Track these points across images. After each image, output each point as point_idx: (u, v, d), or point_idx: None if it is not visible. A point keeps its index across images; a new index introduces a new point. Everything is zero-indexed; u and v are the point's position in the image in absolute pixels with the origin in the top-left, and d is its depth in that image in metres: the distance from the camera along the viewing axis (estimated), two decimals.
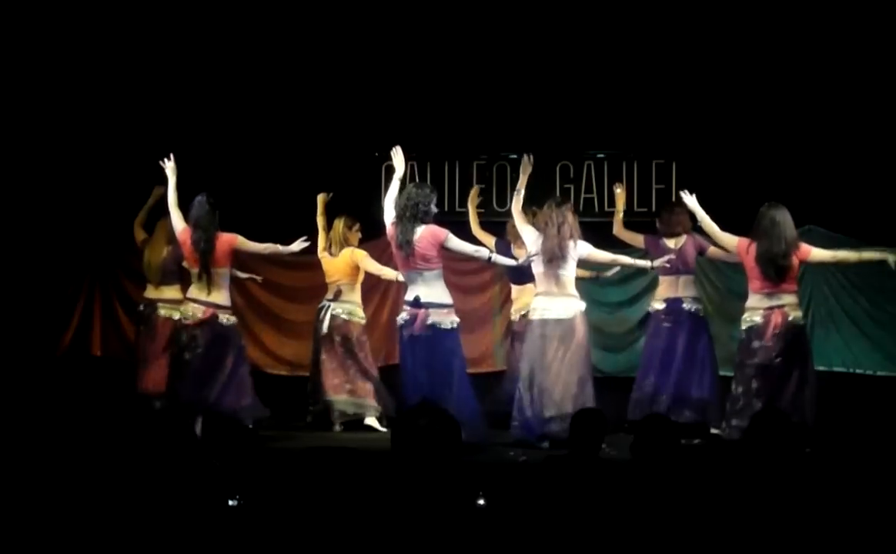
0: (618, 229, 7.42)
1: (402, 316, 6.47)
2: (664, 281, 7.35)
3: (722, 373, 7.26)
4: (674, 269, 7.23)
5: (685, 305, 7.28)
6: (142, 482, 3.14)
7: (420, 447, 2.72)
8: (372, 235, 8.02)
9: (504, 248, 7.25)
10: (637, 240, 7.36)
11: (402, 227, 6.39)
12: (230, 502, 3.26)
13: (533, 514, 3.41)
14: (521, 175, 6.80)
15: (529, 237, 6.80)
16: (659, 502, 3.25)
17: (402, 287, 7.01)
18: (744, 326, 6.64)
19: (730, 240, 6.74)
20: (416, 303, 6.39)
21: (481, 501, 3.67)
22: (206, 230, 6.67)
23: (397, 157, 6.53)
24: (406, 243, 6.37)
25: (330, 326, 7.49)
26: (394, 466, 2.76)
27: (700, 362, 7.22)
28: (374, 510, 2.68)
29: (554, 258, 6.71)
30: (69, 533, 3.04)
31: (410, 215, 6.39)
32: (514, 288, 7.63)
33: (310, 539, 2.72)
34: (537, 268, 6.76)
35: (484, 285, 8.34)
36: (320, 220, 7.63)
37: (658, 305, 7.35)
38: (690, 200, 6.85)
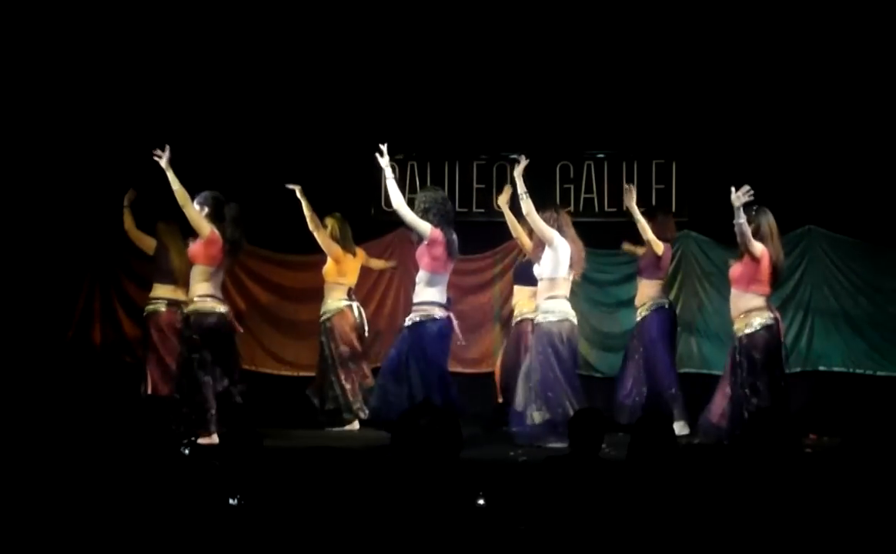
0: (650, 234, 7.25)
1: (446, 317, 6.46)
2: (657, 285, 7.40)
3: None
4: (664, 273, 7.40)
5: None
6: (142, 481, 3.14)
7: (420, 447, 2.72)
8: (372, 235, 8.03)
9: (526, 268, 7.17)
10: (659, 247, 7.29)
11: (451, 234, 6.44)
12: (230, 502, 3.26)
13: (533, 514, 3.41)
14: (518, 177, 6.60)
15: (559, 238, 6.67)
16: (658, 502, 3.25)
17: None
18: (759, 328, 6.44)
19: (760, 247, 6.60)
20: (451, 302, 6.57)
21: (481, 501, 3.67)
22: (243, 231, 6.77)
23: (385, 157, 6.46)
24: (457, 249, 6.49)
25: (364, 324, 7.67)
26: (394, 465, 2.76)
27: None
28: (374, 510, 2.68)
29: (580, 262, 6.83)
30: (69, 533, 3.04)
31: (453, 220, 6.53)
32: (524, 289, 7.50)
33: (310, 539, 2.72)
34: (561, 273, 6.67)
35: (484, 285, 8.34)
36: (315, 217, 7.50)
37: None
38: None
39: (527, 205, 6.58)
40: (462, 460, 2.89)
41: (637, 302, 7.48)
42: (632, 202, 7.22)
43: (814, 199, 7.93)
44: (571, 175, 8.40)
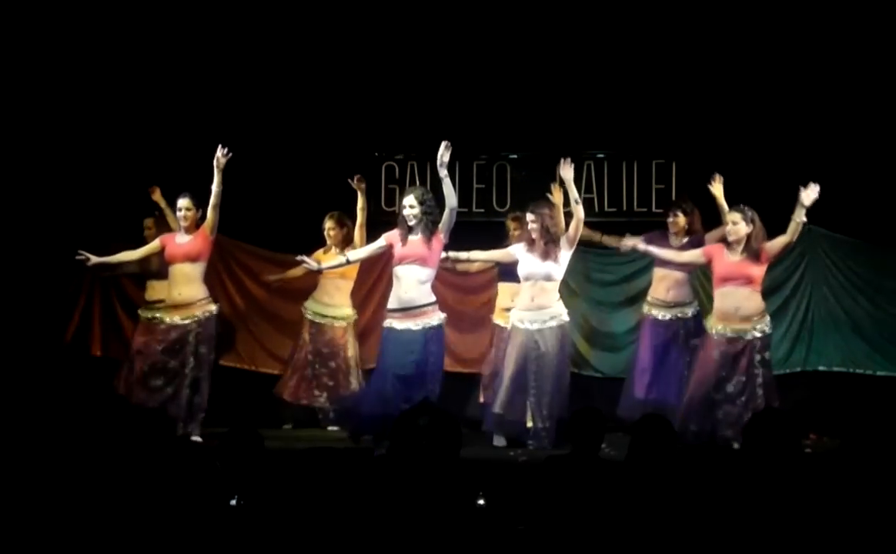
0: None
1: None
2: (689, 279, 7.48)
3: None
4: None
5: None
6: (142, 482, 3.14)
7: (420, 447, 2.72)
8: (372, 235, 7.99)
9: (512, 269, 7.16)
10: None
11: None
12: (230, 502, 3.26)
13: (533, 514, 3.41)
14: (570, 185, 6.64)
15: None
16: (658, 502, 3.25)
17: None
18: (769, 329, 6.72)
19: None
20: None
21: (481, 501, 3.67)
22: None
23: (447, 154, 6.35)
24: None
25: None
26: (393, 465, 2.75)
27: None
28: (373, 510, 2.68)
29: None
30: (69, 533, 3.04)
31: None
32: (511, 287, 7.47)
33: (310, 539, 2.72)
34: (561, 274, 6.78)
35: (484, 285, 8.31)
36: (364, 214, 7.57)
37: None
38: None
39: (581, 210, 6.69)
40: (462, 460, 2.89)
41: (678, 296, 7.39)
42: (719, 189, 7.15)
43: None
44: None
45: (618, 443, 5.64)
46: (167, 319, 6.77)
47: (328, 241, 7.66)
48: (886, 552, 3.07)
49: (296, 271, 7.63)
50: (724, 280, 6.67)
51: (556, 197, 7.12)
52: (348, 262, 6.94)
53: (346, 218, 7.67)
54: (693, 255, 7.05)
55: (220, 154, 6.58)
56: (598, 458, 4.37)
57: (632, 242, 7.13)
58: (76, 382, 7.73)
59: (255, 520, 3.04)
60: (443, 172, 6.36)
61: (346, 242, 7.61)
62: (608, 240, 7.59)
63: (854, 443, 3.56)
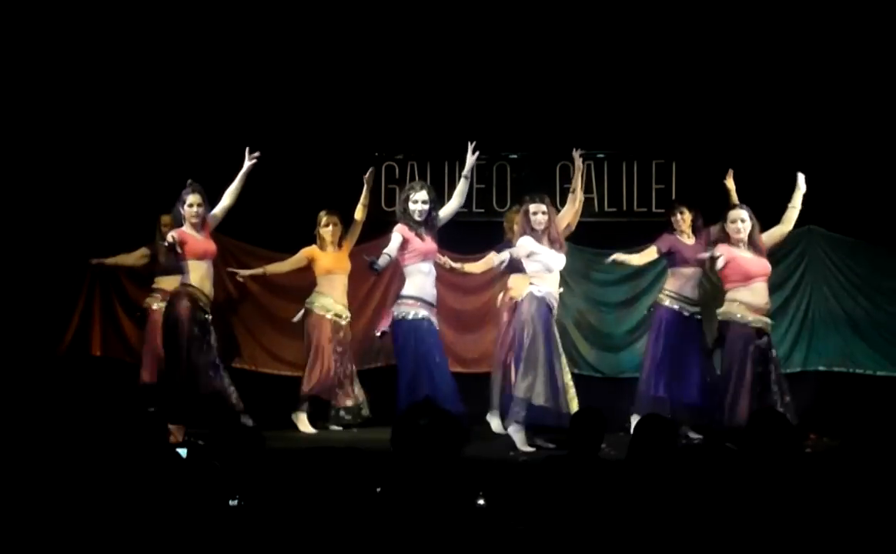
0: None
1: None
2: None
3: None
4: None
5: None
6: (142, 482, 3.14)
7: (420, 447, 2.72)
8: (372, 235, 8.02)
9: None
10: None
11: None
12: (230, 502, 3.26)
13: (533, 514, 3.41)
14: (579, 173, 6.82)
15: None
16: (658, 502, 3.25)
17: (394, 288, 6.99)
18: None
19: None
20: None
21: (481, 501, 3.67)
22: None
23: (474, 156, 6.56)
24: None
25: None
26: (394, 465, 2.76)
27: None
28: (374, 510, 2.68)
29: None
30: (69, 533, 3.04)
31: None
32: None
33: (310, 539, 2.72)
34: (562, 266, 6.77)
35: (485, 285, 8.31)
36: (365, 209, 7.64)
37: None
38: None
39: (582, 198, 6.88)
40: (462, 460, 2.89)
41: (697, 296, 7.22)
42: (732, 184, 7.16)
43: (814, 199, 7.91)
44: (571, 175, 8.38)
45: (618, 443, 5.64)
46: (202, 300, 6.73)
47: (328, 238, 7.62)
48: (886, 552, 3.07)
49: (276, 267, 7.73)
50: (751, 277, 6.68)
51: (578, 191, 6.97)
52: (390, 259, 6.83)
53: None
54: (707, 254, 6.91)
55: (248, 158, 6.67)
56: (598, 458, 4.37)
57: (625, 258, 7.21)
58: (76, 382, 7.75)
59: (255, 520, 3.04)
60: (467, 174, 6.62)
61: (339, 242, 7.65)
62: (619, 257, 7.24)
63: (854, 443, 3.56)
